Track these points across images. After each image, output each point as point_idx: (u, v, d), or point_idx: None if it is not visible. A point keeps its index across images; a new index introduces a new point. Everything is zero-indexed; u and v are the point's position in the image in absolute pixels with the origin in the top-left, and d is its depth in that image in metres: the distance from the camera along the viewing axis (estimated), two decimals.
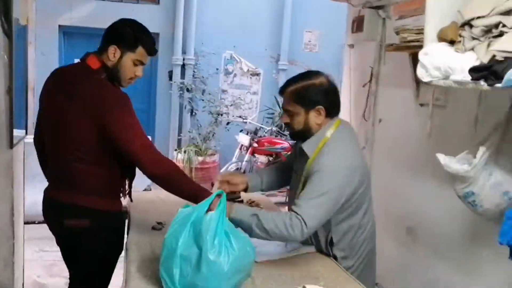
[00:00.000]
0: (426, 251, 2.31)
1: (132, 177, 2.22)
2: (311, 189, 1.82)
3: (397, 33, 2.13)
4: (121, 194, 2.21)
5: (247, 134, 6.38)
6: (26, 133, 2.95)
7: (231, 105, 6.92)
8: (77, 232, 2.07)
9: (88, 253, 2.14)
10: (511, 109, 1.75)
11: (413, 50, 2.11)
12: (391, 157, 2.61)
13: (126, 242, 2.04)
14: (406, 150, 2.49)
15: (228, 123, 6.98)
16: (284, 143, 6.36)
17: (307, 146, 1.93)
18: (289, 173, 2.23)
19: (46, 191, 2.19)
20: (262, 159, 6.32)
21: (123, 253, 2.24)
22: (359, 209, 1.96)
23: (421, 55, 1.74)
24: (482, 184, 1.73)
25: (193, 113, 6.92)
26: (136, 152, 1.95)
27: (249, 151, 6.26)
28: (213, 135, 6.74)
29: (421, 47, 1.96)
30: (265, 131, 6.62)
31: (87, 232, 2.06)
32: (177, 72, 7.09)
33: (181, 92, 6.96)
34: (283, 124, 7.19)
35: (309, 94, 1.89)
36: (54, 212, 2.14)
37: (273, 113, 7.43)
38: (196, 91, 6.81)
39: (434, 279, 2.28)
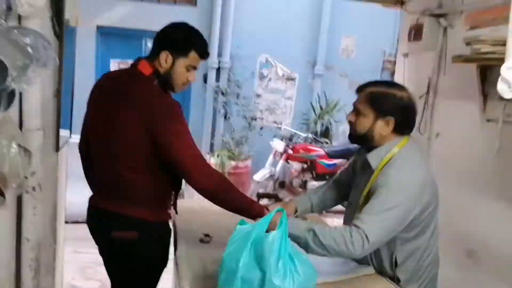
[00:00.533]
0: (490, 276, 2.15)
1: (179, 187, 2.14)
2: (376, 204, 1.73)
3: (468, 43, 1.99)
4: (167, 205, 2.14)
5: (281, 140, 6.27)
6: (71, 134, 2.91)
7: (266, 110, 6.83)
8: (125, 244, 2.00)
9: (134, 265, 2.07)
10: None
11: (487, 62, 1.97)
12: (449, 174, 2.45)
13: (175, 256, 1.96)
14: (468, 168, 2.34)
15: (261, 128, 6.89)
16: (320, 151, 6.23)
17: (372, 158, 1.85)
18: (343, 190, 2.14)
19: (91, 200, 2.12)
20: (296, 166, 6.20)
21: (168, 265, 2.17)
22: (427, 230, 1.83)
23: (504, 70, 1.60)
24: None
25: (227, 117, 6.86)
26: (185, 162, 1.89)
27: (283, 157, 6.15)
28: (246, 140, 6.66)
29: (497, 59, 1.83)
30: (300, 137, 6.49)
31: (135, 244, 1.98)
32: (212, 75, 7.03)
33: (216, 95, 6.90)
34: (318, 131, 7.08)
35: (385, 102, 1.82)
36: (100, 222, 2.07)
37: (308, 119, 7.30)
38: (230, 95, 6.73)
39: None
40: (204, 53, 2.02)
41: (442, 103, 2.55)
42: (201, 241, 2.14)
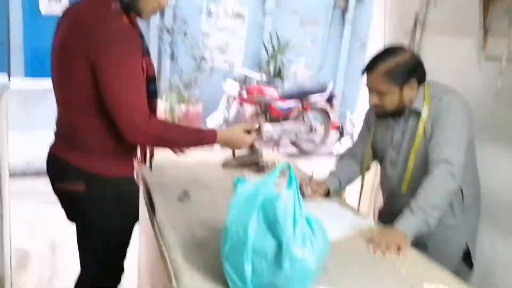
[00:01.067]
0: (485, 224, 2.07)
1: None
2: (447, 132, 1.80)
3: None
4: (127, 157, 1.84)
5: (235, 81, 5.95)
6: (9, 78, 2.47)
7: (215, 50, 6.43)
8: (73, 198, 1.76)
9: (87, 227, 1.82)
10: None
11: None
12: None
13: (155, 221, 1.69)
14: None
15: (212, 69, 6.50)
16: (274, 93, 6.00)
17: (417, 105, 1.88)
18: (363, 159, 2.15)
19: (50, 146, 1.84)
20: (251, 109, 5.95)
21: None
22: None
23: None
24: None
25: (174, 58, 6.38)
26: (119, 111, 1.60)
27: (237, 100, 5.86)
28: (196, 82, 6.28)
29: None
30: (255, 80, 6.19)
31: (84, 199, 1.74)
32: None
33: (161, 33, 6.36)
34: (271, 72, 6.80)
35: (401, 72, 1.83)
36: (53, 171, 1.83)
37: (260, 59, 6.99)
38: (177, 33, 6.23)
39: (489, 252, 2.08)
40: None
41: (432, 40, 2.35)
42: (179, 199, 1.87)
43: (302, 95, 6.13)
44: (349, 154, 2.22)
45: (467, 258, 2.01)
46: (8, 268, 2.65)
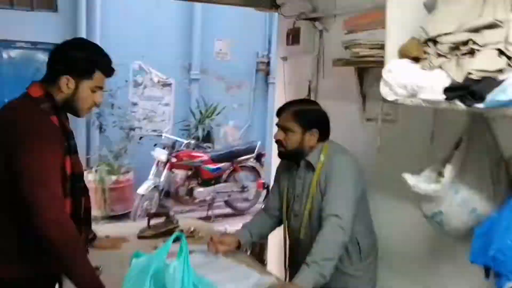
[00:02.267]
0: (382, 268, 2.26)
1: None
2: (334, 188, 1.99)
3: (347, 47, 2.06)
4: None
5: (164, 148, 6.05)
6: None
7: (144, 119, 6.55)
8: None
9: None
10: (471, 125, 1.74)
11: (366, 65, 2.05)
12: None
13: None
14: None
15: (141, 138, 6.58)
16: (204, 156, 6.15)
17: (312, 159, 2.10)
18: (277, 213, 2.30)
19: None
20: (181, 174, 6.03)
21: None
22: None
23: (385, 73, 1.65)
24: (449, 203, 1.70)
25: (102, 129, 6.43)
26: (35, 201, 1.56)
27: (167, 166, 5.94)
28: (125, 151, 6.32)
29: (375, 62, 1.90)
30: (182, 144, 6.33)
31: None
32: None
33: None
34: (200, 137, 6.99)
35: (309, 116, 2.09)
36: None
37: (188, 125, 7.17)
38: (104, 105, 6.31)
39: None
40: (110, 71, 1.83)
41: (323, 105, 2.61)
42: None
43: (232, 156, 6.31)
44: (263, 208, 2.40)
45: None
46: None
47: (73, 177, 1.76)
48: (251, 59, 7.85)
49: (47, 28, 6.38)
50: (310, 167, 2.10)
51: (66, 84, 1.72)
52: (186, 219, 2.93)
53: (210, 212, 6.14)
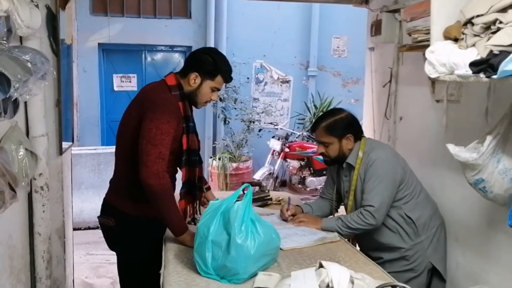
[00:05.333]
0: (449, 240, 2.41)
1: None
2: (369, 184, 2.28)
3: (409, 34, 2.26)
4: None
5: (278, 139, 6.55)
6: (73, 142, 3.23)
7: (262, 113, 7.12)
8: (106, 230, 2.30)
9: (120, 254, 2.34)
10: None
11: (424, 49, 2.23)
12: (413, 152, 2.72)
13: (164, 237, 2.22)
14: (426, 144, 2.60)
15: (260, 130, 7.17)
16: (315, 147, 6.48)
17: (350, 160, 2.38)
18: (331, 197, 2.63)
19: None
20: (294, 163, 6.47)
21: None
22: (415, 191, 2.36)
23: (427, 53, 1.87)
24: (491, 171, 1.84)
25: (227, 122, 7.15)
26: (142, 155, 2.00)
27: (281, 156, 6.43)
28: (246, 142, 6.95)
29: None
30: (296, 136, 6.77)
31: (113, 232, 2.25)
32: None
33: (215, 102, 7.21)
34: None
35: (339, 126, 2.35)
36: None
37: (303, 119, 7.58)
38: (228, 100, 7.04)
39: (454, 265, 2.38)
40: (228, 78, 2.25)
41: (402, 89, 2.81)
42: (188, 223, 2.41)
43: None
44: (321, 195, 2.73)
45: (436, 274, 2.35)
46: None
47: (189, 152, 2.23)
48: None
49: (182, 33, 7.30)
50: (351, 166, 2.38)
51: (194, 79, 2.17)
52: (279, 193, 3.34)
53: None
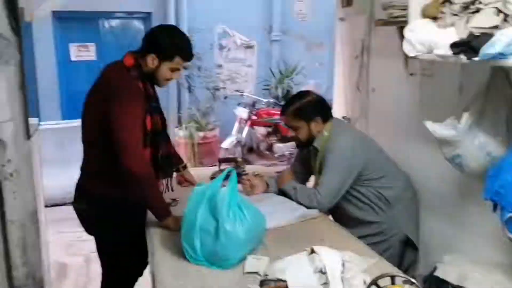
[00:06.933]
0: (421, 206, 2.51)
1: None
2: (325, 170, 2.34)
3: (385, 9, 2.26)
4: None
5: (244, 107, 6.52)
6: (40, 122, 3.11)
7: (227, 79, 7.04)
8: (81, 214, 2.29)
9: (97, 237, 2.34)
10: (491, 78, 1.90)
11: (399, 25, 2.25)
12: (386, 124, 2.78)
13: (146, 221, 2.21)
14: (399, 117, 2.65)
15: (225, 98, 7.11)
16: None
17: (316, 142, 2.42)
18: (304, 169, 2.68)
19: None
20: (261, 130, 6.49)
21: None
22: (383, 172, 2.40)
23: (406, 32, 1.88)
24: (467, 147, 1.90)
25: (191, 90, 7.03)
26: (119, 141, 2.01)
27: (248, 123, 6.42)
28: (211, 110, 6.88)
29: (406, 22, 2.10)
30: (262, 103, 6.75)
31: (90, 217, 2.26)
32: None
33: None
34: (279, 95, 7.35)
35: (306, 109, 2.38)
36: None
37: (269, 85, 7.55)
38: (192, 68, 6.89)
39: (427, 234, 2.49)
40: (188, 57, 2.20)
41: (374, 62, 2.83)
42: (168, 205, 2.40)
43: None
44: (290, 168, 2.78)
45: (409, 243, 2.44)
46: (49, 277, 3.24)
47: (152, 132, 2.19)
48: (330, 19, 7.92)
49: None
50: (316, 149, 2.42)
51: (152, 60, 2.13)
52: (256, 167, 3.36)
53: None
